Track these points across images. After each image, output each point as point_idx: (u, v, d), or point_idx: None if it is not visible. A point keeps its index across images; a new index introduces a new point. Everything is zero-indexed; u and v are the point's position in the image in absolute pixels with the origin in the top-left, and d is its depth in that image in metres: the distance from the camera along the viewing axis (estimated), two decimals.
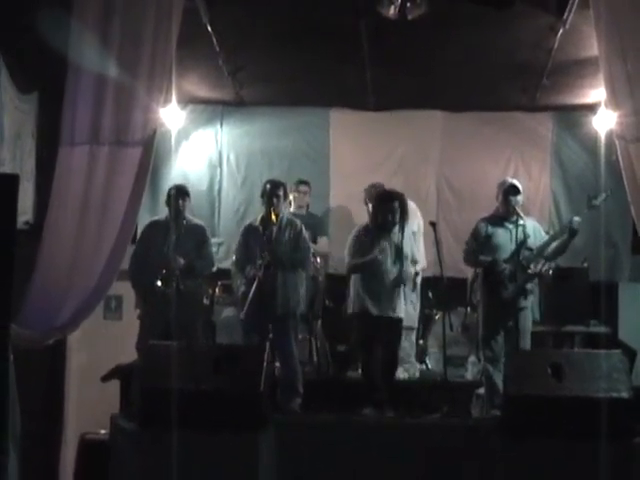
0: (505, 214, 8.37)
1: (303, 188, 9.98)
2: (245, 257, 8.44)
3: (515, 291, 8.16)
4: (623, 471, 6.63)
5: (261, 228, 8.43)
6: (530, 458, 6.76)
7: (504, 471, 6.89)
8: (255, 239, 8.41)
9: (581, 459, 6.66)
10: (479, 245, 8.38)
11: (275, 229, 8.36)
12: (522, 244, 8.21)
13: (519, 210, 8.36)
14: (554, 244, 8.30)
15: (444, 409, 8.02)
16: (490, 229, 8.37)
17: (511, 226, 8.32)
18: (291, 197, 9.60)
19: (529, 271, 8.20)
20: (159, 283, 8.32)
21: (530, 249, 8.22)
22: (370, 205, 9.04)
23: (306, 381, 8.39)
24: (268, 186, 8.47)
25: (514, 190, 8.35)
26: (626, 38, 7.22)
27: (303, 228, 8.54)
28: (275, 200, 8.38)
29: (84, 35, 7.39)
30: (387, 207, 8.25)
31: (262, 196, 8.53)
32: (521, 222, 8.25)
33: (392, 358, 8.34)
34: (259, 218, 8.52)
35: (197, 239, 8.63)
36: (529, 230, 8.27)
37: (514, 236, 8.26)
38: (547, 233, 8.65)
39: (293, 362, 8.31)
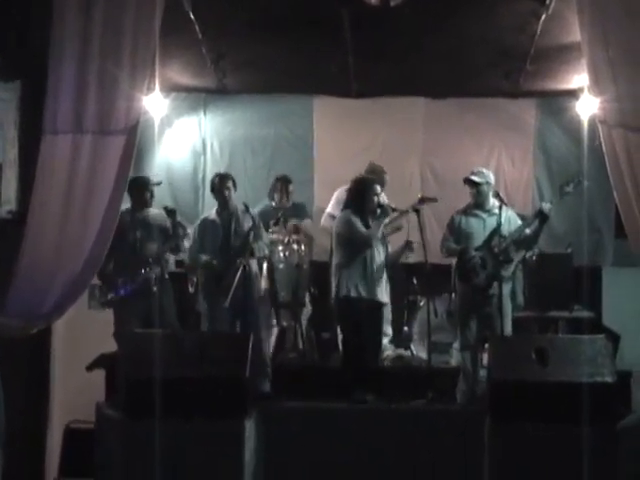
0: (477, 204, 8.51)
1: (292, 188, 10.01)
2: (200, 250, 8.50)
3: (486, 278, 8.23)
4: (607, 455, 6.69)
5: (219, 220, 8.51)
6: (516, 443, 6.82)
7: (490, 456, 6.93)
8: (212, 232, 8.51)
9: (566, 443, 6.71)
10: (453, 236, 8.52)
11: (234, 221, 8.44)
12: (495, 232, 8.28)
13: (502, 198, 8.49)
14: (527, 231, 8.35)
15: (429, 395, 8.02)
16: (463, 220, 8.53)
17: (484, 215, 8.47)
18: (277, 196, 9.84)
19: (500, 258, 8.24)
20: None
21: (503, 237, 8.27)
22: None
23: (291, 368, 8.41)
24: (217, 179, 8.65)
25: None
26: (608, 24, 7.23)
27: (259, 218, 8.69)
28: (227, 192, 8.55)
29: (66, 23, 7.36)
30: (374, 191, 8.33)
31: (212, 191, 8.68)
32: (495, 211, 8.36)
33: (379, 341, 8.57)
34: (214, 211, 8.62)
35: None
36: (503, 218, 8.34)
37: (487, 224, 8.40)
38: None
39: (264, 347, 8.37)
